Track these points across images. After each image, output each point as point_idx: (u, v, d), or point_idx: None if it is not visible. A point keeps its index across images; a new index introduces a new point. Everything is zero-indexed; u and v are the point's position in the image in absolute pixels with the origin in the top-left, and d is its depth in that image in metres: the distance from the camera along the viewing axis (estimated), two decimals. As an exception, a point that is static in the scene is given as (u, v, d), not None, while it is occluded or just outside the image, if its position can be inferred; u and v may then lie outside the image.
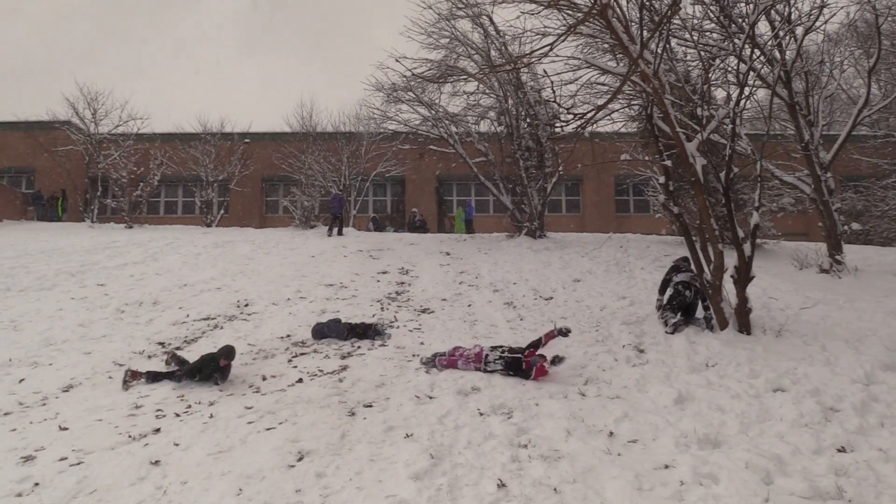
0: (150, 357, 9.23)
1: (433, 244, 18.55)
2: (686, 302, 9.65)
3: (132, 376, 7.98)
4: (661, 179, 10.36)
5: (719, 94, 22.11)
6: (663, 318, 9.65)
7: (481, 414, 6.34)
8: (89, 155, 28.04)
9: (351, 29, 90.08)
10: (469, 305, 11.56)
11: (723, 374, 7.30)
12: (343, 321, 10.03)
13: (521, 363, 7.56)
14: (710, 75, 11.33)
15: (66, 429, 6.69)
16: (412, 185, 31.18)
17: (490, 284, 13.19)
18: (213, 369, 7.84)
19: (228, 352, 7.99)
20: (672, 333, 9.17)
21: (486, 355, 7.83)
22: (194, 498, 4.99)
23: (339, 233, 20.90)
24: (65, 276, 14.21)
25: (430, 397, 6.92)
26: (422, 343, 9.24)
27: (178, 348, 9.36)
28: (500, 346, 8.05)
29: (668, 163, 10.05)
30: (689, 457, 5.24)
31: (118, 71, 72.38)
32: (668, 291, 10.00)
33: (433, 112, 21.65)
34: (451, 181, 30.88)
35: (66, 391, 8.03)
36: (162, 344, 9.75)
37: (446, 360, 8.00)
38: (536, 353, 7.72)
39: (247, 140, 30.18)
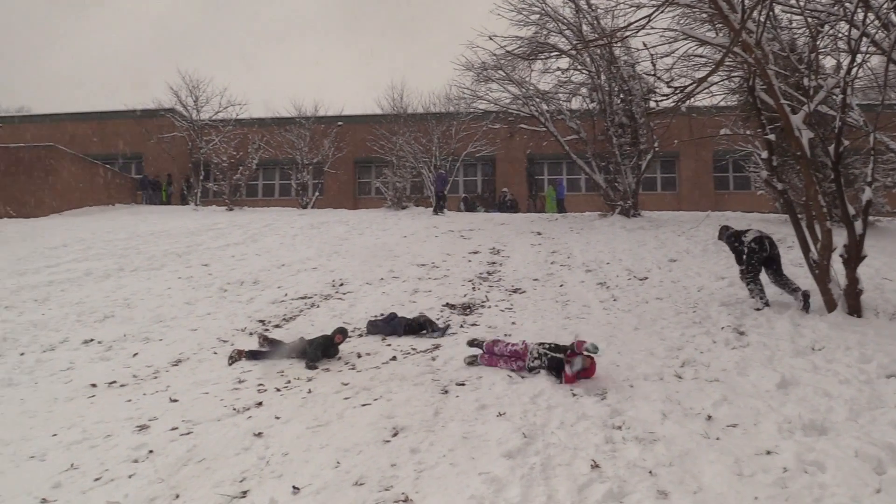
0: (251, 334, 9.61)
1: (524, 224, 18.46)
2: (765, 255, 9.28)
3: (238, 354, 8.34)
4: (764, 154, 9.91)
5: (828, 62, 20.94)
6: (750, 291, 9.32)
7: (574, 395, 6.29)
8: (192, 141, 29.31)
9: (441, 10, 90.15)
10: (561, 285, 11.45)
11: (830, 359, 6.95)
12: (399, 316, 9.46)
13: (563, 364, 6.82)
14: (817, 43, 10.70)
15: (175, 401, 7.08)
16: (502, 165, 31.08)
17: (582, 264, 13.02)
18: (330, 345, 8.13)
19: (343, 331, 8.32)
20: (761, 309, 8.85)
21: (531, 351, 7.18)
22: (295, 469, 5.18)
23: (441, 211, 21.23)
24: (172, 256, 14.95)
25: (523, 377, 6.91)
26: (513, 323, 9.23)
27: (266, 330, 9.65)
28: (545, 343, 7.31)
29: (772, 137, 9.59)
30: (793, 443, 5.03)
31: (221, 61, 75.10)
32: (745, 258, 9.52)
33: (523, 90, 21.45)
34: (541, 160, 30.58)
35: (175, 365, 8.48)
36: (262, 321, 10.14)
37: (487, 359, 7.45)
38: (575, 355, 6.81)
39: (340, 123, 30.78)
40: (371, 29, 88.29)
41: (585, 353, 6.60)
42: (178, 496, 4.95)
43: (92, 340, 9.67)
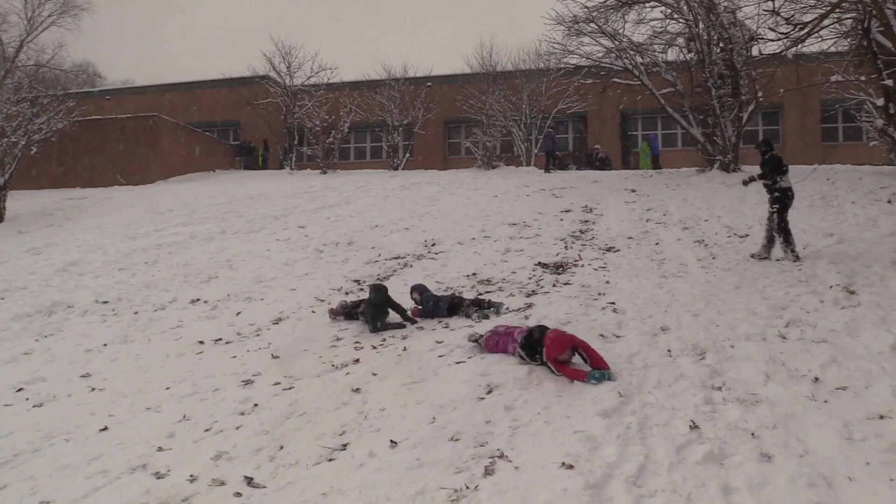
0: (346, 294, 9.86)
1: (617, 181, 18.03)
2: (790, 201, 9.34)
3: (333, 314, 8.58)
4: (880, 102, 9.30)
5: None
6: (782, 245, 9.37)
7: (671, 354, 6.15)
8: (286, 106, 29.97)
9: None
10: (657, 244, 11.16)
11: (952, 318, 6.51)
12: (438, 295, 8.60)
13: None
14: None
15: (277, 357, 7.37)
16: (595, 121, 30.37)
17: (679, 222, 12.64)
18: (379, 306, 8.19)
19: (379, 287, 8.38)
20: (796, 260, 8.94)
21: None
22: (392, 423, 5.32)
23: (551, 169, 21.27)
24: (270, 219, 15.45)
25: (617, 336, 6.81)
26: (607, 282, 9.08)
27: (346, 296, 9.79)
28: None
29: (890, 82, 8.96)
30: (909, 407, 4.76)
31: (321, 27, 76.10)
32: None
33: (616, 43, 20.74)
34: (635, 115, 29.69)
35: (276, 323, 8.82)
36: (357, 281, 10.36)
37: (493, 343, 6.65)
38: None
39: (429, 84, 30.76)
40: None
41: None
42: (282, 447, 5.18)
43: (198, 300, 10.16)
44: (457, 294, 8.89)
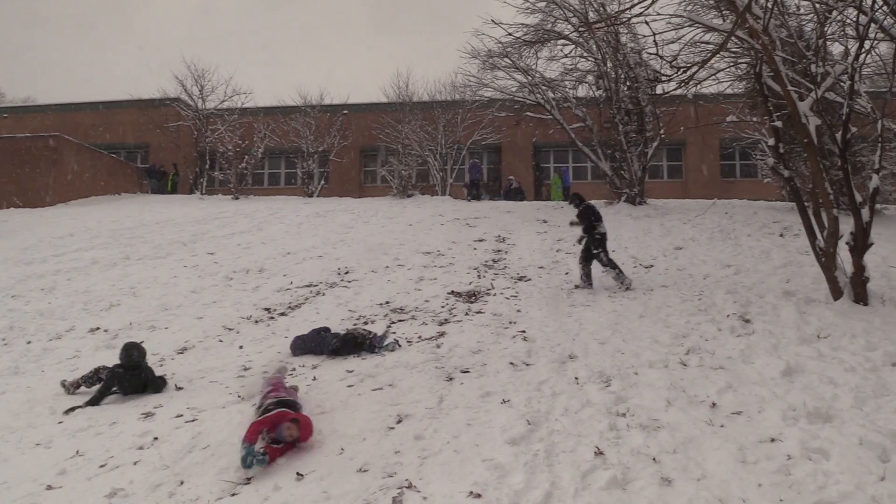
0: (256, 322, 9.64)
1: (530, 212, 18.41)
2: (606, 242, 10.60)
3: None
4: (771, 141, 9.85)
5: (836, 49, 20.75)
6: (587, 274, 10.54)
7: (578, 382, 6.29)
8: (198, 130, 29.26)
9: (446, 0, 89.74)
10: (567, 273, 11.43)
11: (836, 346, 6.92)
12: (332, 331, 8.21)
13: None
14: (825, 29, 10.60)
15: (181, 388, 7.11)
16: (508, 153, 30.97)
17: (587, 252, 12.98)
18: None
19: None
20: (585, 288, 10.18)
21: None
22: (298, 456, 5.20)
23: (478, 198, 21.69)
24: (178, 245, 14.99)
25: (527, 364, 6.91)
26: (518, 311, 9.22)
27: (255, 324, 9.63)
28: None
29: (779, 124, 9.53)
30: (798, 430, 5.02)
31: (247, 54, 74.99)
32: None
33: (529, 78, 21.34)
34: (547, 148, 30.47)
35: (181, 353, 8.53)
36: (268, 309, 10.16)
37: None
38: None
39: (345, 111, 30.69)
40: (373, 21, 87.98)
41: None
42: (182, 482, 4.99)
43: (98, 329, 9.73)
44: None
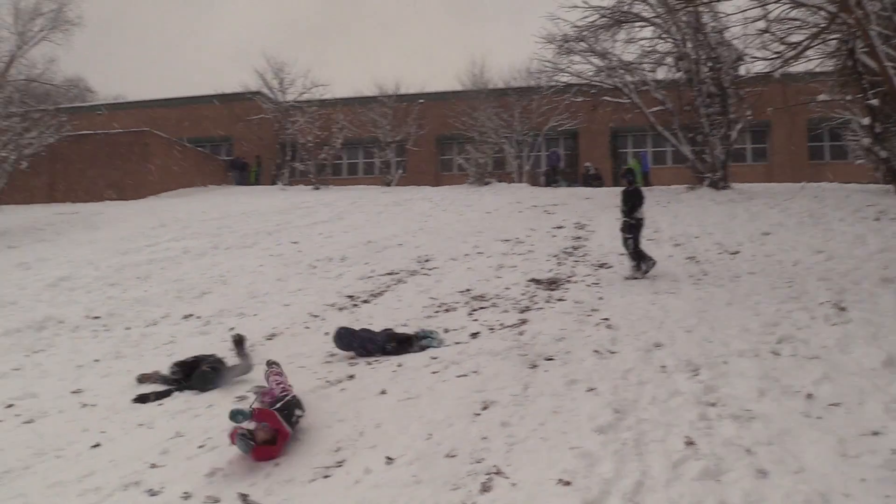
0: (340, 309, 9.86)
1: (608, 198, 18.10)
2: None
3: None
4: (865, 121, 9.42)
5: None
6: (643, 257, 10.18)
7: (665, 370, 6.19)
8: (278, 122, 30.01)
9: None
10: (649, 261, 11.20)
11: (941, 335, 6.58)
12: (378, 330, 8.04)
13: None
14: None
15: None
16: (585, 138, 30.55)
17: (670, 238, 12.72)
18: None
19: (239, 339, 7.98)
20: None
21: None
22: (388, 440, 5.32)
23: (556, 185, 21.57)
24: (262, 235, 15.44)
25: (612, 352, 6.84)
26: (600, 298, 9.12)
27: (339, 311, 9.79)
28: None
29: (875, 102, 9.09)
30: (902, 423, 4.81)
31: (311, 46, 76.40)
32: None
33: (606, 62, 20.96)
34: (625, 133, 29.90)
35: (270, 339, 8.81)
36: (351, 297, 10.36)
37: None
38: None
39: (421, 101, 30.88)
40: (452, 7, 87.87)
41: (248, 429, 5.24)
42: (277, 464, 5.18)
43: (191, 315, 10.13)
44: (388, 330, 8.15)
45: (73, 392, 7.44)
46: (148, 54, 76.27)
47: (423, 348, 7.60)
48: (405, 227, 15.41)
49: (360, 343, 7.77)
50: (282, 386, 6.13)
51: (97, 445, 5.91)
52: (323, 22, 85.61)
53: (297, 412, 5.69)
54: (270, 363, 6.87)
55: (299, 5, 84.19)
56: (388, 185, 27.21)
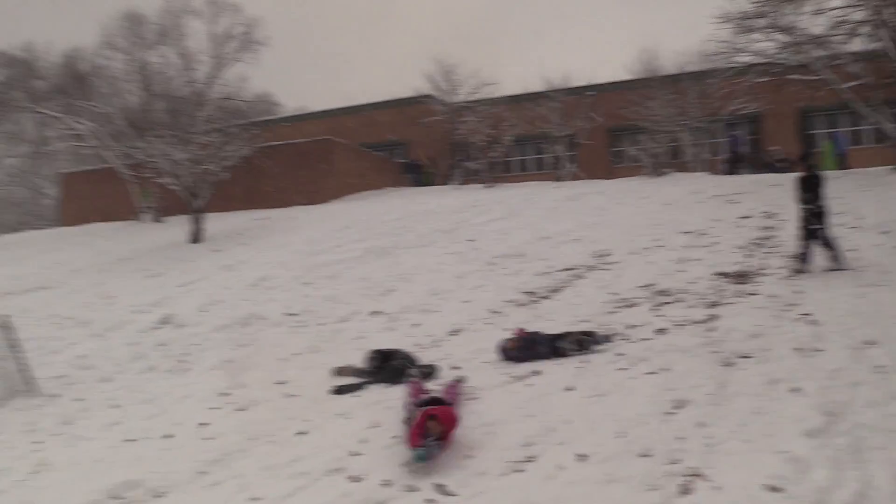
0: (519, 305, 9.91)
1: (800, 184, 16.85)
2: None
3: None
4: None
5: None
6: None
7: (883, 371, 5.64)
8: (450, 123, 30.74)
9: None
10: (855, 249, 10.26)
11: None
12: (543, 333, 7.74)
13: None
14: None
15: (457, 367, 7.54)
16: (769, 121, 28.62)
17: (876, 226, 11.58)
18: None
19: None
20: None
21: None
22: (578, 437, 5.27)
23: (738, 172, 20.70)
24: (440, 233, 15.86)
25: (817, 350, 6.34)
26: (797, 292, 8.48)
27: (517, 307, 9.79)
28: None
29: None
30: None
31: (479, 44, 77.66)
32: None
33: (791, 37, 19.44)
34: (816, 112, 27.64)
35: (453, 335, 9.02)
36: (530, 293, 10.39)
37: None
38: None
39: (591, 93, 30.36)
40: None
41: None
42: (468, 457, 5.29)
43: (378, 312, 10.61)
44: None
45: (278, 383, 8.04)
46: (325, 66, 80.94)
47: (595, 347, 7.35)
48: (580, 221, 15.21)
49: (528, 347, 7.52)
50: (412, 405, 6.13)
51: (303, 433, 6.33)
52: (488, 22, 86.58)
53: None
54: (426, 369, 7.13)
55: (466, 7, 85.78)
56: (560, 179, 26.99)
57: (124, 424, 7.40)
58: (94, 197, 30.73)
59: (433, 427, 5.40)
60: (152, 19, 32.69)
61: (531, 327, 8.18)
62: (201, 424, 6.95)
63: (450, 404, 5.88)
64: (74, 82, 33.11)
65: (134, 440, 6.86)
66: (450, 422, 5.54)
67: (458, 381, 6.81)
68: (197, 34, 32.85)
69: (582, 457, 4.92)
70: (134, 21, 32.69)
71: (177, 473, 5.79)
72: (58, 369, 9.87)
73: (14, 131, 53.05)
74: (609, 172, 29.60)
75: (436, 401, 5.90)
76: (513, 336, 7.73)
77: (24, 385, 9.09)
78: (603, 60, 69.05)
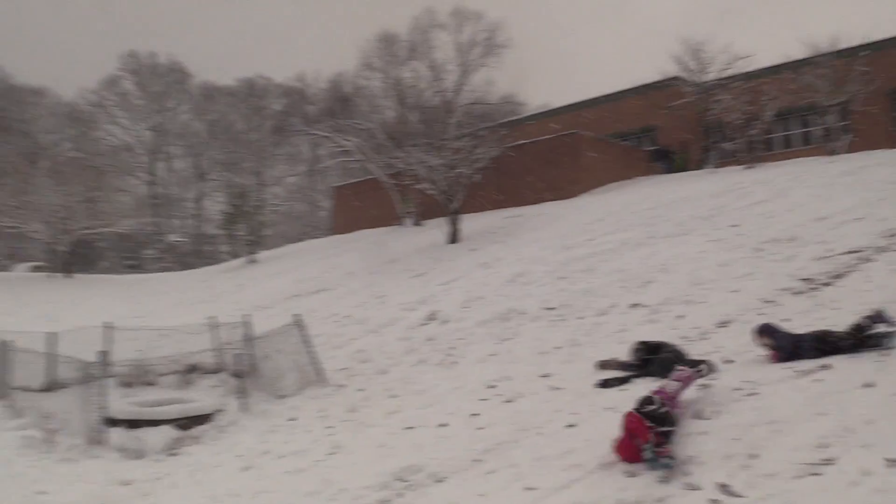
0: (796, 294, 9.05)
1: None
2: None
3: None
4: None
5: None
6: None
7: None
8: (701, 104, 29.08)
9: None
10: None
11: None
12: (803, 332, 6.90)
13: None
14: None
15: (731, 361, 7.07)
16: None
17: None
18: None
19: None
20: None
21: None
22: (886, 439, 4.66)
23: None
24: (698, 220, 15.04)
25: None
26: None
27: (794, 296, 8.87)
28: None
29: None
30: None
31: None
32: None
33: None
34: None
35: (722, 327, 8.49)
36: (807, 280, 9.45)
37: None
38: None
39: (865, 52, 26.96)
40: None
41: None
42: (754, 455, 4.91)
43: (637, 304, 10.31)
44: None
45: (542, 376, 8.15)
46: (565, 61, 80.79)
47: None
48: (863, 198, 13.51)
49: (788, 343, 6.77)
50: (672, 393, 5.76)
51: (572, 426, 6.33)
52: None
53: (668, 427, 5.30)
54: (696, 364, 6.57)
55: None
56: (833, 153, 24.30)
57: (402, 413, 7.97)
58: (361, 206, 33.67)
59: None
60: (403, 37, 35.08)
61: (810, 317, 7.41)
62: (472, 415, 7.25)
63: (662, 405, 5.45)
64: (340, 104, 36.63)
65: (412, 428, 7.35)
66: (634, 429, 5.25)
67: (698, 371, 6.34)
68: (444, 45, 34.69)
69: (892, 462, 4.33)
70: (387, 41, 35.35)
71: (454, 460, 6.09)
72: (341, 362, 10.93)
73: (292, 153, 60.12)
74: (892, 141, 26.09)
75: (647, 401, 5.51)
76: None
77: (316, 376, 10.21)
78: (880, 13, 60.97)
